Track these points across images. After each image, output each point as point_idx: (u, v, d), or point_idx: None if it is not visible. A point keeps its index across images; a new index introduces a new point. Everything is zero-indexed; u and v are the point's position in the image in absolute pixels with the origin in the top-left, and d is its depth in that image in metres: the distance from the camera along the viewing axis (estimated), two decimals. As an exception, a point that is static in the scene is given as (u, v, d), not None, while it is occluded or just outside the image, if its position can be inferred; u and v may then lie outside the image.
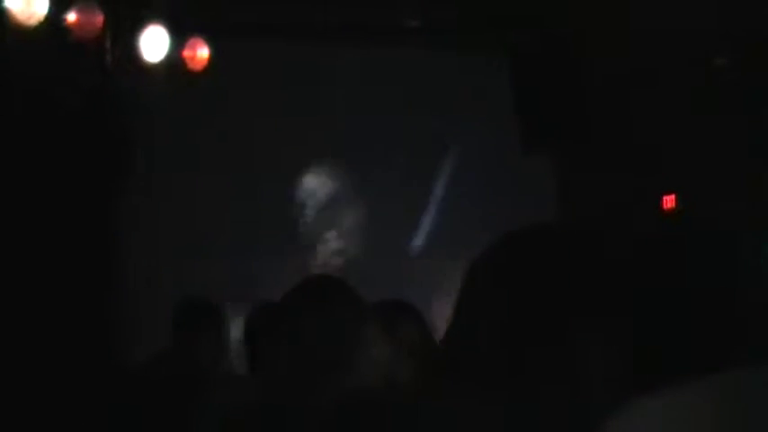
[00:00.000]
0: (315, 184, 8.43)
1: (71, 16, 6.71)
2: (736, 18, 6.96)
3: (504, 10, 7.53)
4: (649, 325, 1.69)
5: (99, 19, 6.81)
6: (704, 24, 7.05)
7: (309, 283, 3.35)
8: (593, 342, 1.63)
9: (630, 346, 1.66)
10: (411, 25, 7.84)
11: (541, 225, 1.80)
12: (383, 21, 7.79)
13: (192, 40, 7.38)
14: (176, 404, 4.42)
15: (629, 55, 7.46)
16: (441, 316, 8.03)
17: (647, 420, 1.54)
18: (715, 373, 1.59)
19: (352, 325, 3.20)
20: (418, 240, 8.54)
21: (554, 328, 1.64)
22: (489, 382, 1.65)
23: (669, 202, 7.92)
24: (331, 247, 8.42)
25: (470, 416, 1.67)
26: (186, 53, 7.37)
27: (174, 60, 7.29)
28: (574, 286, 1.66)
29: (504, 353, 1.65)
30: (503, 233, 1.80)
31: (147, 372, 5.20)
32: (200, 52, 7.41)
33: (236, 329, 5.05)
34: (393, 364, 3.67)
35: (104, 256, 7.30)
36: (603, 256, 1.71)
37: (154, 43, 7.18)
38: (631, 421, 1.54)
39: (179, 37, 7.30)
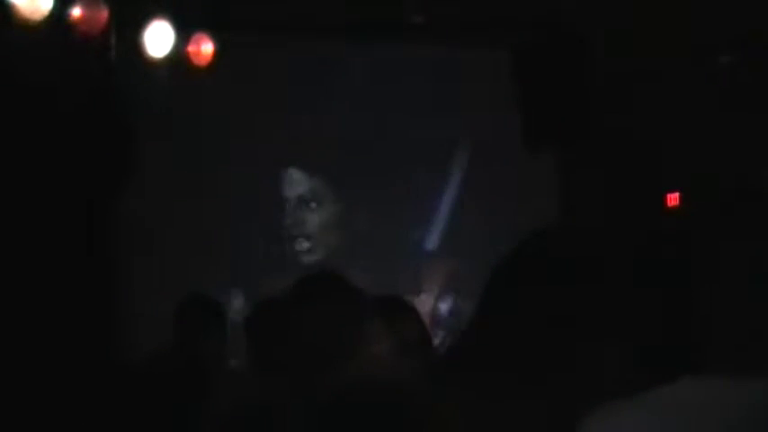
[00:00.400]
0: (317, 182, 8.42)
1: (76, 11, 6.72)
2: (741, 16, 6.95)
3: (507, 7, 7.52)
4: (654, 324, 1.69)
5: (104, 14, 6.81)
6: (709, 22, 7.04)
7: (310, 280, 3.35)
8: (607, 342, 1.64)
9: (640, 346, 1.67)
10: (415, 22, 7.83)
11: (565, 226, 1.80)
12: (387, 17, 7.78)
13: (196, 36, 7.38)
14: (178, 401, 4.42)
15: (633, 52, 7.45)
16: (441, 311, 7.99)
17: (626, 422, 1.54)
18: (702, 376, 1.59)
19: (352, 321, 3.19)
20: (420, 238, 8.52)
21: (576, 327, 1.64)
22: (509, 378, 1.66)
23: (673, 200, 7.92)
24: (335, 245, 8.41)
25: (475, 412, 1.68)
26: (191, 48, 7.38)
27: (179, 56, 7.29)
28: (594, 285, 1.66)
29: (526, 350, 1.65)
30: (528, 233, 1.81)
31: (149, 369, 5.19)
32: (205, 48, 7.41)
33: (237, 326, 5.05)
34: (393, 361, 3.67)
35: (107, 252, 7.29)
36: (620, 255, 1.71)
37: (159, 38, 7.18)
38: (611, 422, 1.54)
39: (184, 32, 7.30)
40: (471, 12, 7.59)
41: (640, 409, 1.56)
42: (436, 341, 4.78)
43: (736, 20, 7.01)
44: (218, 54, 7.40)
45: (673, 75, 7.51)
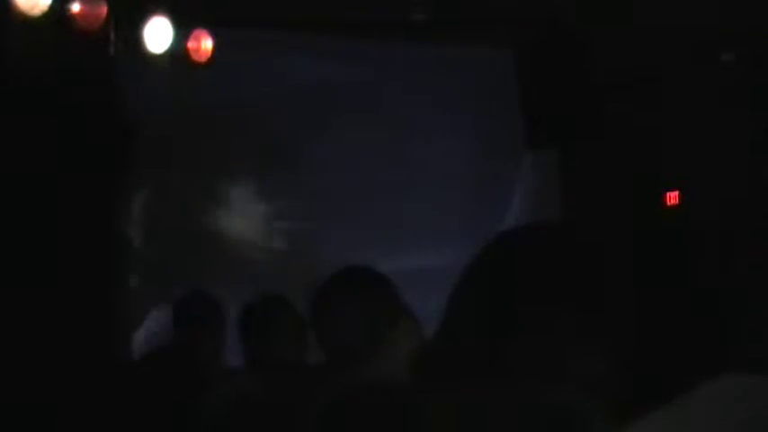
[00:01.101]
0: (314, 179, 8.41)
1: (75, 6, 6.71)
2: (743, 14, 6.94)
3: (509, 5, 7.51)
4: (646, 323, 1.68)
5: (103, 9, 6.80)
6: (711, 20, 7.03)
7: (342, 275, 3.22)
8: (577, 341, 1.62)
9: (620, 346, 1.66)
10: (416, 19, 7.82)
11: (533, 224, 1.79)
12: (388, 13, 7.77)
13: (196, 32, 7.37)
14: (176, 399, 4.42)
15: (635, 50, 7.45)
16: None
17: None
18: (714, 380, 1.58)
19: (383, 320, 3.08)
20: (419, 236, 8.49)
21: (537, 326, 1.63)
22: (469, 378, 1.65)
23: (672, 198, 7.92)
24: (337, 242, 8.39)
25: (446, 412, 1.67)
26: (190, 45, 7.37)
27: (179, 52, 7.28)
28: (561, 285, 1.65)
29: (486, 349, 1.64)
30: (495, 233, 1.79)
31: (148, 367, 5.19)
32: (205, 44, 7.40)
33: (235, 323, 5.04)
34: (405, 363, 3.59)
35: (106, 249, 7.28)
36: (594, 253, 1.70)
37: (158, 34, 7.17)
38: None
39: (183, 28, 7.29)
40: (474, 10, 7.58)
41: (679, 415, 1.54)
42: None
43: (738, 18, 7.01)
44: (217, 50, 7.40)
45: (673, 74, 7.51)
